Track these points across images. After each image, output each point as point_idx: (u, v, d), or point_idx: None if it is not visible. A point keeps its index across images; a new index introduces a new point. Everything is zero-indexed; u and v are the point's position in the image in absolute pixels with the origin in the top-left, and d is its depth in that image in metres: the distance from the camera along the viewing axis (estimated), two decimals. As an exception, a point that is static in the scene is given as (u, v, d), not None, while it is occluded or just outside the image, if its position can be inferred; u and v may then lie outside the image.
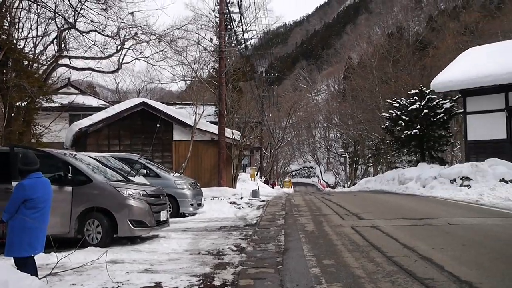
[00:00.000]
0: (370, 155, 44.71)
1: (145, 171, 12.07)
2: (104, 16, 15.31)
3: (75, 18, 15.27)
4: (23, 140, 13.87)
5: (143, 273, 5.68)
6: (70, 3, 14.25)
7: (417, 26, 63.55)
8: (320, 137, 76.06)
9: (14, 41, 14.22)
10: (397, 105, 24.39)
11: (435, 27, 50.00)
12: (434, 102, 22.74)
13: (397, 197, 16.70)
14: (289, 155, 72.57)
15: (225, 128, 19.98)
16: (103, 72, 19.47)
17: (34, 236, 4.50)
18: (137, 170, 11.27)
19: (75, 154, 8.99)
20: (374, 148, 43.06)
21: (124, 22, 16.49)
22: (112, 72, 19.57)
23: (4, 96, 13.11)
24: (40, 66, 16.11)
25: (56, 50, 16.52)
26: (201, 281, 5.26)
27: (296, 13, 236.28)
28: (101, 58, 17.47)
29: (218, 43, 21.10)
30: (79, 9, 14.67)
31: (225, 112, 20.82)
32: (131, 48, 17.87)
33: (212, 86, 23.21)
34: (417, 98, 23.36)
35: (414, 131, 22.51)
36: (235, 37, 28.45)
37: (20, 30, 15.30)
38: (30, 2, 14.00)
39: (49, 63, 16.33)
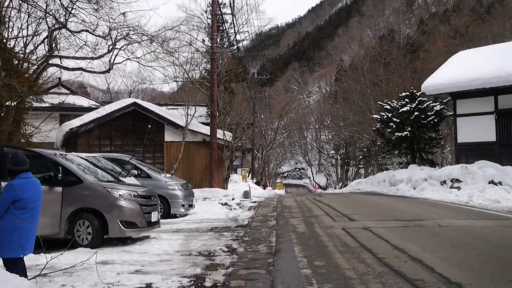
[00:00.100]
0: (361, 157, 44.95)
1: (136, 172, 12.01)
2: (96, 16, 15.19)
3: (66, 17, 15.14)
4: (13, 140, 13.74)
5: (133, 274, 5.65)
6: (61, 2, 14.13)
7: (408, 29, 64.01)
8: (312, 138, 76.38)
9: (4, 40, 14.08)
10: (388, 107, 24.52)
11: (426, 30, 50.42)
12: (425, 105, 22.90)
13: (388, 199, 16.78)
14: (281, 156, 72.64)
15: (217, 129, 19.95)
16: (94, 72, 19.31)
17: (23, 237, 4.46)
18: (128, 170, 11.22)
19: (66, 155, 8.93)
20: (365, 149, 43.30)
21: (115, 23, 16.38)
22: (104, 72, 19.41)
23: (-7, 96, 12.98)
24: (30, 65, 15.96)
25: (46, 50, 16.37)
26: (192, 282, 5.24)
27: (289, 15, 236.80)
28: (92, 58, 17.33)
29: (210, 44, 21.09)
30: (70, 8, 14.53)
31: (217, 113, 20.79)
32: (122, 49, 17.77)
33: (204, 87, 23.18)
34: (408, 101, 23.51)
35: (405, 133, 22.66)
36: (227, 38, 28.43)
37: (10, 29, 15.14)
38: (20, 1, 13.86)
39: (39, 62, 16.18)
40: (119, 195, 7.82)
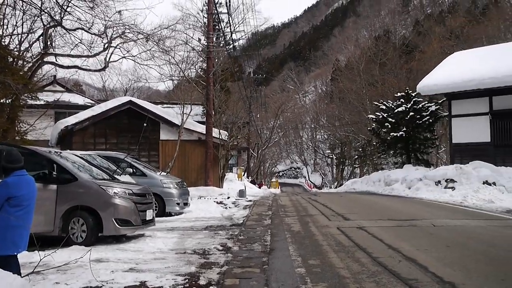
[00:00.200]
0: (356, 157, 45.07)
1: (131, 170, 12.00)
2: (91, 14, 15.12)
3: (62, 15, 15.06)
4: (7, 137, 13.67)
5: (128, 272, 5.64)
6: (56, 0, 14.09)
7: (404, 30, 64.14)
8: (307, 138, 76.41)
9: (-1, 38, 14.03)
10: (384, 107, 24.60)
11: (421, 31, 50.50)
12: (420, 105, 22.99)
13: (382, 198, 16.83)
14: (276, 155, 72.75)
15: (213, 128, 19.95)
16: (90, 70, 19.23)
17: (17, 235, 4.44)
18: (123, 168, 11.19)
19: (60, 152, 8.90)
20: (360, 149, 43.41)
21: (111, 21, 16.31)
22: (99, 70, 19.34)
23: (-12, 93, 12.92)
24: (25, 63, 15.89)
25: (41, 48, 16.29)
26: (187, 280, 5.24)
27: (285, 15, 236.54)
28: (87, 56, 17.24)
29: (206, 43, 21.05)
30: (66, 6, 14.47)
31: (213, 112, 20.79)
32: (118, 47, 17.68)
33: (199, 86, 23.12)
34: (403, 101, 23.60)
35: (400, 133, 22.73)
36: (223, 37, 28.40)
37: (5, 26, 15.08)
38: (15, -1, 13.81)
39: (34, 60, 16.10)
40: (114, 193, 7.80)
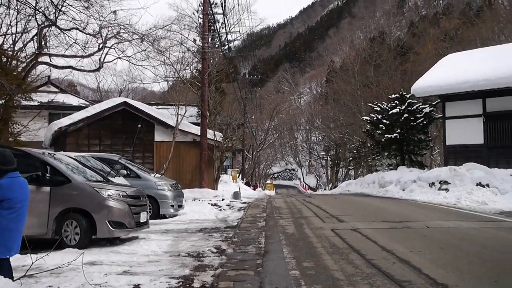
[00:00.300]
0: (351, 158, 45.05)
1: (125, 172, 11.94)
2: (86, 14, 15.08)
3: (56, 15, 15.01)
4: (0, 138, 13.62)
5: (121, 275, 5.61)
6: (51, 0, 14.04)
7: (399, 32, 64.44)
8: (302, 139, 76.51)
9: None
10: (378, 109, 24.66)
11: (416, 32, 50.77)
12: (414, 107, 23.06)
13: (377, 200, 16.87)
14: (271, 157, 72.80)
15: (207, 130, 19.91)
16: (84, 70, 19.20)
17: (10, 237, 4.40)
18: (117, 170, 11.15)
19: (54, 154, 8.85)
20: (355, 151, 43.42)
21: (106, 21, 16.27)
22: (94, 71, 19.28)
23: (-19, 94, 12.85)
24: (19, 63, 15.82)
25: (36, 48, 16.23)
26: (181, 283, 5.22)
27: (280, 16, 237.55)
28: (82, 56, 17.20)
29: (201, 44, 21.04)
30: (60, 6, 14.43)
31: (208, 113, 20.76)
32: (113, 47, 17.65)
33: (194, 87, 23.10)
34: (397, 103, 23.66)
35: (395, 135, 22.80)
36: (218, 38, 28.39)
37: (-1, 26, 15.03)
38: (9, -2, 13.75)
39: (28, 60, 16.04)
40: (108, 195, 7.77)
